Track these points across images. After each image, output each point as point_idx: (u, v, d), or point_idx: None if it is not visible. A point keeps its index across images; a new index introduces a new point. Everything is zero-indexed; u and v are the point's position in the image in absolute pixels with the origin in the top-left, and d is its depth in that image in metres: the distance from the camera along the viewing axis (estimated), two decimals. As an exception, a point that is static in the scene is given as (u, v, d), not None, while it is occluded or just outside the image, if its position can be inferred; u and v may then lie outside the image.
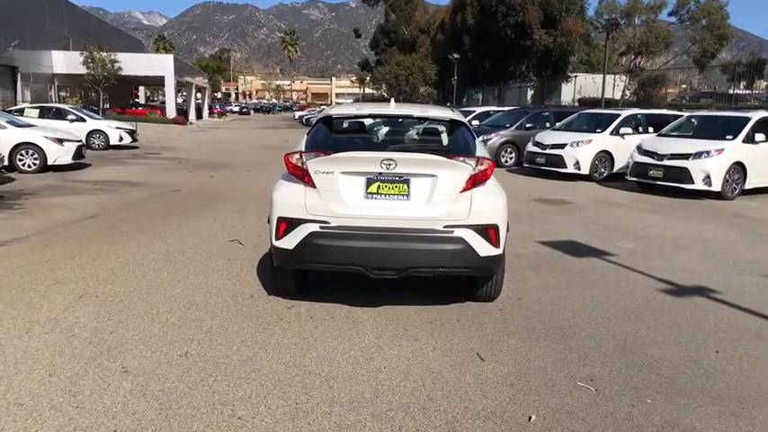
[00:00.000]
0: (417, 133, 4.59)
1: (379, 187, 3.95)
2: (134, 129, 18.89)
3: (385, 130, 4.71)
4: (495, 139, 16.30)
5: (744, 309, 4.60)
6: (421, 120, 4.66)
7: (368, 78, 72.88)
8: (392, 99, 5.11)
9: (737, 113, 11.98)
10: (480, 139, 17.12)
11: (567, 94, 43.24)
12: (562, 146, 13.49)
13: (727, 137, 10.92)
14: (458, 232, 3.93)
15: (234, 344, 3.70)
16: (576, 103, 37.16)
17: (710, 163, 10.55)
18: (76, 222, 7.40)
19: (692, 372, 3.45)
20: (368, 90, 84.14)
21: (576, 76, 34.71)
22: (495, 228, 4.03)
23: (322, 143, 4.29)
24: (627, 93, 31.47)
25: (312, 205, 3.99)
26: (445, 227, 3.94)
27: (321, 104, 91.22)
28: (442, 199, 3.95)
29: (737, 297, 4.87)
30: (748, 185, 10.92)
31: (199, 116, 47.70)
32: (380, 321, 4.14)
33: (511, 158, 16.25)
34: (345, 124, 4.58)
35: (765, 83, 32.29)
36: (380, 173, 3.93)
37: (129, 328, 3.91)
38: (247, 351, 3.60)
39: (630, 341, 3.89)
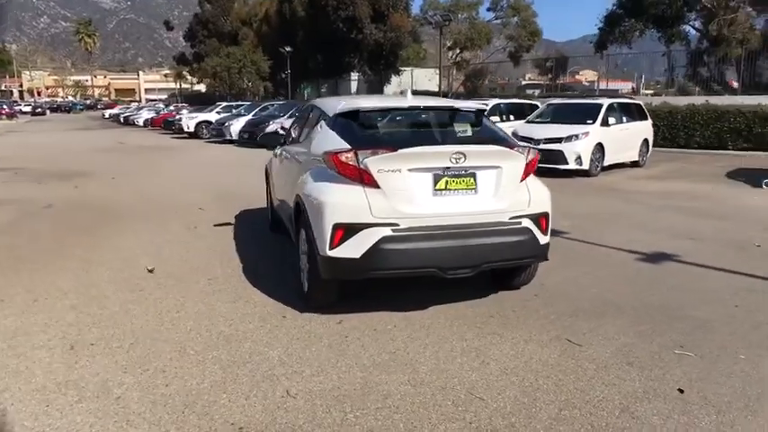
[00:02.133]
0: (454, 125, 4.43)
1: (446, 183, 3.76)
2: (-68, 136, 15.22)
3: (417, 122, 4.44)
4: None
5: (713, 267, 5.33)
6: (454, 111, 4.51)
7: (186, 72, 68.27)
8: (408, 91, 4.83)
9: (590, 101, 13.72)
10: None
11: (392, 88, 45.38)
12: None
13: (588, 121, 12.44)
14: (524, 223, 3.93)
15: (328, 372, 3.25)
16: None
17: (580, 145, 11.94)
18: (-46, 257, 5.78)
19: (739, 326, 3.91)
20: (185, 85, 78.84)
21: (411, 70, 36.49)
22: (546, 215, 4.12)
23: (366, 140, 3.94)
24: (441, 85, 33.94)
25: (378, 207, 3.64)
26: (511, 218, 3.91)
27: (131, 101, 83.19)
28: (507, 190, 3.90)
29: (698, 258, 5.61)
30: (606, 163, 12.59)
31: (-15, 119, 40.15)
32: (446, 323, 3.97)
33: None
34: (374, 118, 4.24)
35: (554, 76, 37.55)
36: (448, 167, 3.74)
37: (182, 377, 3.20)
38: (352, 378, 3.19)
39: (671, 307, 4.27)
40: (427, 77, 42.73)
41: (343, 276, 3.88)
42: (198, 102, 49.07)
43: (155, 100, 76.42)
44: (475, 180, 3.81)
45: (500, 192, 3.87)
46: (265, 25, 49.01)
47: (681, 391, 3.02)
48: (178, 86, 77.52)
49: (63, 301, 4.46)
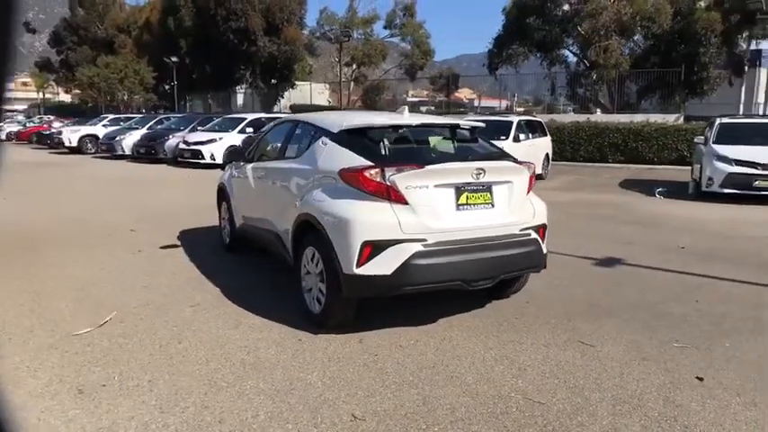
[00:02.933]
0: (456, 141, 4.53)
1: (467, 198, 3.89)
2: None
3: (425, 138, 4.48)
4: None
5: (658, 268, 5.97)
6: (455, 128, 4.63)
7: (51, 81, 62.42)
8: (406, 108, 4.84)
9: (501, 118, 14.62)
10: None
11: (285, 102, 44.97)
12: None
13: (502, 137, 13.23)
14: (533, 234, 4.16)
15: (381, 392, 3.21)
16: (289, 110, 39.04)
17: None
18: None
19: (711, 318, 4.43)
20: (47, 95, 71.87)
21: (310, 84, 36.36)
22: (545, 227, 4.39)
23: (387, 156, 3.95)
24: (342, 100, 34.53)
25: (407, 223, 3.68)
26: (521, 230, 4.12)
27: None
28: (517, 203, 4.12)
29: (642, 260, 6.24)
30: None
31: None
32: (463, 334, 4.08)
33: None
34: (384, 135, 4.25)
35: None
36: (468, 183, 3.87)
37: (231, 411, 3.00)
38: (408, 395, 3.18)
39: (647, 306, 4.73)
40: (318, 92, 42.95)
41: (371, 294, 3.85)
42: (68, 114, 44.94)
43: (11, 111, 68.59)
44: (491, 194, 3.99)
45: (511, 205, 4.08)
46: (146, 33, 46.23)
47: (700, 378, 3.38)
48: (41, 96, 70.47)
49: (33, 339, 3.94)
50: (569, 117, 22.68)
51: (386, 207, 3.70)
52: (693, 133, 18.46)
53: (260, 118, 19.63)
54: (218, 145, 17.56)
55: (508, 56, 26.14)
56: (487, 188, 3.97)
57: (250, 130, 18.12)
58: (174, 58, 37.71)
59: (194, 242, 7.06)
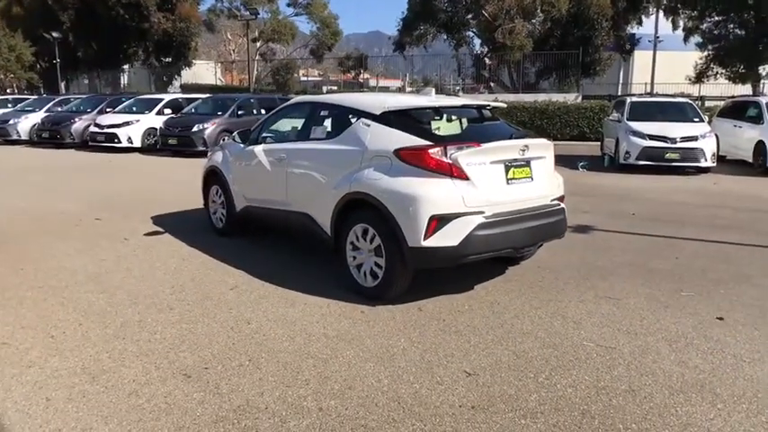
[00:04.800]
0: (485, 121, 4.81)
1: (513, 172, 4.25)
2: None
3: (462, 118, 4.71)
4: (213, 128, 15.60)
5: (625, 232, 6.78)
6: (482, 108, 4.94)
7: None
8: (432, 90, 5.03)
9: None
10: (197, 127, 16.23)
11: (181, 80, 42.64)
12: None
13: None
14: (561, 204, 4.64)
15: (473, 351, 3.53)
16: (179, 90, 37.24)
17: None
18: None
19: (695, 272, 5.19)
20: None
21: (214, 62, 34.69)
22: (564, 197, 4.88)
23: (437, 135, 4.19)
24: (251, 79, 33.50)
25: (470, 197, 3.98)
26: (552, 201, 4.58)
27: None
28: (548, 177, 4.56)
29: (607, 226, 7.03)
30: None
31: None
32: (506, 297, 4.48)
33: (231, 147, 15.90)
34: (427, 116, 4.47)
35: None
36: (515, 158, 4.24)
37: (354, 378, 3.17)
38: (498, 352, 3.53)
39: (638, 264, 5.42)
40: (210, 71, 41.33)
41: (437, 265, 4.12)
42: None
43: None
44: (530, 169, 4.39)
45: (545, 178, 4.52)
46: (15, 5, 41.48)
47: (720, 318, 4.05)
48: None
49: (90, 332, 3.78)
50: (483, 97, 23.85)
51: (448, 183, 3.97)
52: (593, 111, 20.36)
53: (177, 99, 18.72)
54: (135, 128, 16.55)
55: (418, 36, 26.81)
56: (528, 163, 4.37)
57: (168, 111, 17.25)
58: (56, 34, 34.24)
59: (177, 227, 6.82)
